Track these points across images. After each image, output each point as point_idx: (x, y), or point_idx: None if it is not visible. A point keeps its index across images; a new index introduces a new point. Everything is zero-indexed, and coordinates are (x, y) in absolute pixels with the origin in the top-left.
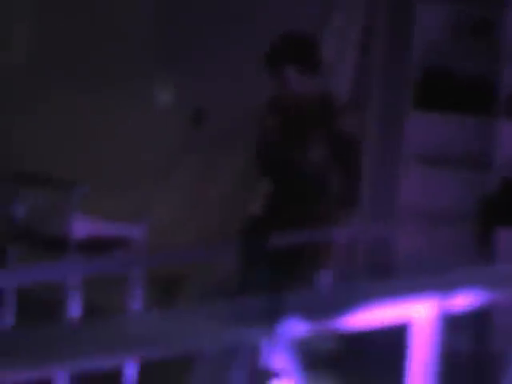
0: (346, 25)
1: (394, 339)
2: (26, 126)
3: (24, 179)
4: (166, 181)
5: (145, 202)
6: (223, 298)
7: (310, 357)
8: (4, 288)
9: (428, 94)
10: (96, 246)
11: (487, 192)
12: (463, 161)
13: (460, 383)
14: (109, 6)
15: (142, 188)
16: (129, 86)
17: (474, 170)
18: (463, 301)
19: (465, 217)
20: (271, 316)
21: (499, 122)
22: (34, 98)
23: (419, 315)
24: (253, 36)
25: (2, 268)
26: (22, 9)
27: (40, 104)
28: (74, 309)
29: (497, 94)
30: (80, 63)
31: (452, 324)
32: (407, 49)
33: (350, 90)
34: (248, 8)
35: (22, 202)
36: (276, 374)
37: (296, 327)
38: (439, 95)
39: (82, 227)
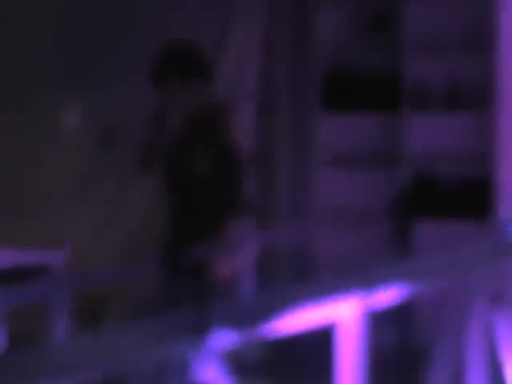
0: (248, 34)
1: (321, 341)
2: None
3: None
4: (82, 204)
5: (61, 227)
6: (148, 316)
7: (239, 365)
8: None
9: (334, 94)
10: (15, 276)
11: (400, 186)
12: (375, 158)
13: (386, 379)
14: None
15: (57, 213)
16: (36, 109)
17: (385, 166)
18: (386, 297)
19: (382, 213)
20: (197, 329)
21: (405, 116)
22: None
23: (344, 315)
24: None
25: None
26: None
27: None
28: None
29: (400, 89)
30: None
31: (375, 320)
32: (311, 51)
33: (255, 99)
34: (147, 18)
35: None
36: None
37: (223, 338)
38: (345, 95)
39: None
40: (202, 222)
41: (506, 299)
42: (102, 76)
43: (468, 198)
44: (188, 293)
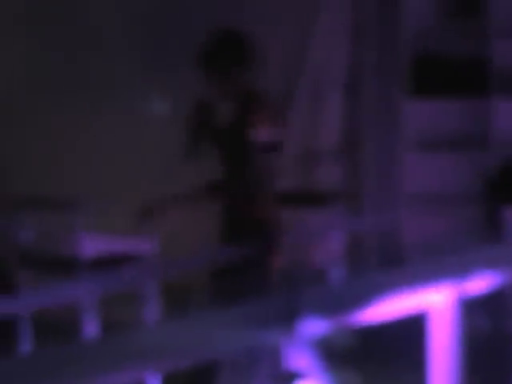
0: (334, 21)
1: (412, 329)
2: (24, 151)
3: (27, 203)
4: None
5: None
6: (235, 303)
7: (329, 354)
8: (18, 314)
9: (421, 79)
10: (106, 263)
11: (488, 171)
12: (462, 143)
13: (479, 367)
14: (89, 27)
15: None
16: (123, 99)
17: (472, 151)
18: (479, 283)
19: (469, 198)
20: (288, 316)
21: (494, 101)
22: (29, 121)
23: (436, 302)
24: None
25: (14, 294)
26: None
27: (36, 127)
28: (90, 328)
29: (488, 73)
30: (69, 82)
31: (468, 307)
32: (398, 37)
33: (342, 85)
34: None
35: (28, 227)
36: (299, 375)
37: (314, 325)
38: (432, 80)
39: (90, 245)
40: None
41: None
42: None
43: None
44: (277, 279)
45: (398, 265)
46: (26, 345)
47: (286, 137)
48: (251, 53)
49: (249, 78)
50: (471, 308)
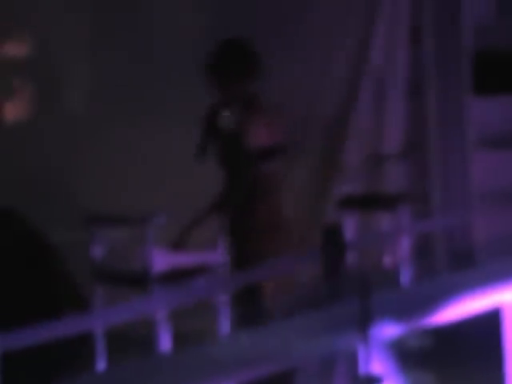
0: (395, 20)
1: (486, 329)
2: (93, 166)
3: (99, 218)
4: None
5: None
6: (310, 308)
7: (405, 356)
8: (93, 329)
9: (485, 77)
10: (178, 276)
11: None
12: None
13: None
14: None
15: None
16: (186, 116)
17: None
18: None
19: None
20: (363, 320)
21: None
22: (96, 138)
23: (510, 301)
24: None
25: (88, 309)
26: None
27: (102, 144)
28: (165, 341)
29: None
30: (135, 97)
31: None
32: (461, 35)
33: (405, 86)
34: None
35: (100, 242)
36: (376, 379)
37: (388, 328)
38: (494, 77)
39: (161, 259)
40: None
41: None
42: None
43: None
44: (350, 283)
45: (470, 265)
46: (101, 360)
47: (350, 139)
48: (253, 63)
49: (252, 86)
50: None
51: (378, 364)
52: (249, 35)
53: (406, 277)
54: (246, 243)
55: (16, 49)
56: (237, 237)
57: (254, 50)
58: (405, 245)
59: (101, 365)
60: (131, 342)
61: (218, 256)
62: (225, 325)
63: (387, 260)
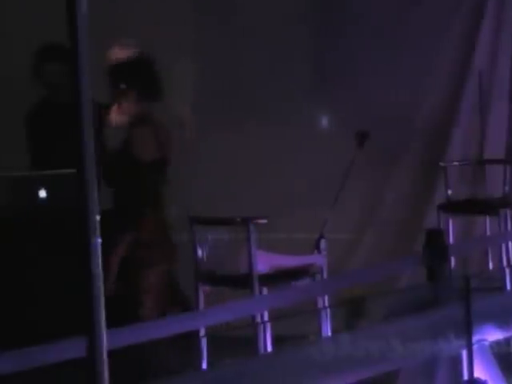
0: (499, 29)
1: None
2: (196, 171)
3: (203, 220)
4: (336, 205)
5: (319, 228)
6: (410, 312)
7: (507, 360)
8: (195, 330)
9: None
10: (280, 279)
11: None
12: None
13: None
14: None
15: (314, 214)
16: (291, 115)
17: None
18: None
19: None
20: (466, 324)
21: None
22: (204, 139)
23: None
24: (407, 55)
25: (192, 310)
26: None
27: (204, 146)
28: (266, 342)
29: None
30: (239, 98)
31: None
32: None
33: (508, 91)
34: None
35: (202, 244)
36: (480, 383)
37: (491, 333)
38: None
39: (263, 261)
40: None
41: None
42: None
43: None
44: (452, 288)
45: None
46: (203, 359)
47: (452, 142)
48: (152, 85)
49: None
50: None
51: (480, 368)
52: (350, 38)
53: (508, 281)
54: (133, 254)
55: (121, 53)
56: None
57: (155, 70)
58: (507, 249)
59: (203, 364)
60: (233, 343)
61: (320, 258)
62: (326, 327)
63: (489, 264)
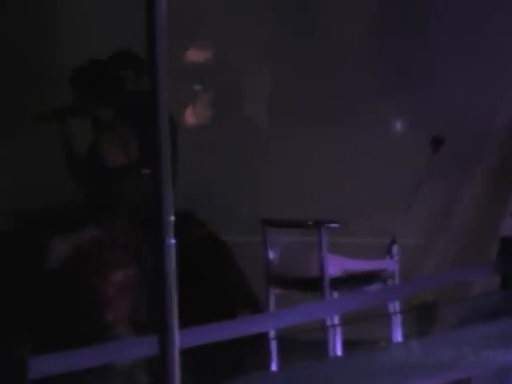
0: None
1: None
2: (268, 172)
3: (273, 224)
4: (409, 209)
5: (391, 233)
6: (483, 320)
7: None
8: (265, 332)
9: None
10: (351, 283)
11: None
12: None
13: None
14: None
15: (386, 219)
16: (364, 117)
17: None
18: None
19: None
20: None
21: None
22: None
23: None
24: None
25: (263, 312)
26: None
27: (277, 148)
28: (336, 346)
29: None
30: (312, 100)
31: None
32: None
33: None
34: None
35: (274, 246)
36: None
37: None
38: None
39: (334, 265)
40: None
41: None
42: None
43: None
44: None
45: None
46: (273, 361)
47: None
48: (113, 88)
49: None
50: None
51: None
52: (427, 39)
53: None
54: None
55: (199, 56)
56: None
57: (118, 76)
58: None
59: (272, 366)
60: (302, 346)
61: (392, 264)
62: (397, 332)
63: None
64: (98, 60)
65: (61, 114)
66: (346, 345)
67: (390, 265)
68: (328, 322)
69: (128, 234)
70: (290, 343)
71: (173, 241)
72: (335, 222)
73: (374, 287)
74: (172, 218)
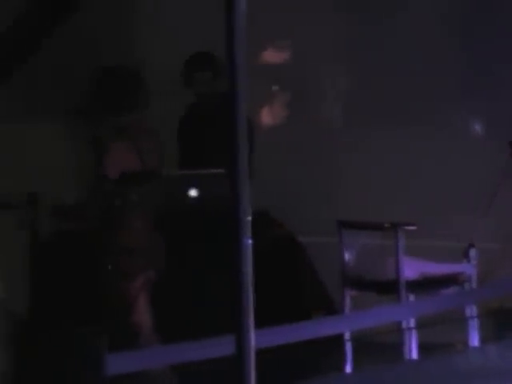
0: None
1: None
2: (345, 174)
3: (350, 226)
4: (485, 213)
5: (469, 236)
6: None
7: None
8: (341, 333)
9: None
10: (427, 286)
11: None
12: None
13: None
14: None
15: (463, 222)
16: (442, 119)
17: None
18: None
19: None
20: None
21: None
22: (351, 148)
23: None
24: None
25: (338, 314)
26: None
27: (354, 149)
28: (412, 349)
29: None
30: (388, 101)
31: None
32: None
33: None
34: None
35: (350, 248)
36: None
37: None
38: None
39: (411, 268)
40: None
41: None
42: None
43: None
44: None
45: None
46: (348, 363)
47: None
48: (134, 96)
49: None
50: None
51: None
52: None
53: None
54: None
55: (275, 56)
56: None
57: (139, 81)
58: None
59: (347, 367)
60: (378, 348)
61: (469, 267)
62: (473, 336)
63: None
64: (117, 66)
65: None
66: (422, 348)
67: (468, 268)
68: (404, 325)
69: (142, 238)
70: (365, 345)
71: (250, 241)
72: (412, 225)
73: (451, 291)
74: (249, 218)
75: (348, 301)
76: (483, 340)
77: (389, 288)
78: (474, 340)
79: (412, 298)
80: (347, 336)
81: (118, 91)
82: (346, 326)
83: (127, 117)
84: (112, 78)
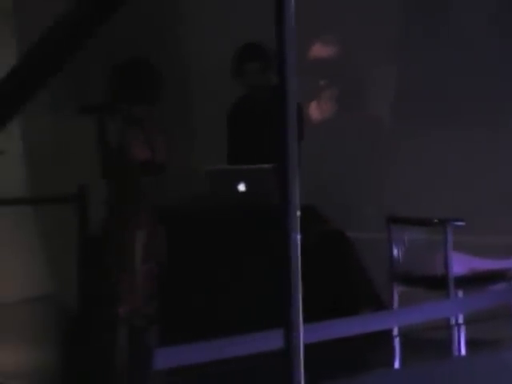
0: None
1: None
2: (395, 171)
3: (398, 221)
4: None
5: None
6: None
7: None
8: (389, 329)
9: None
10: (476, 282)
11: None
12: None
13: None
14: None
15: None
16: (492, 115)
17: None
18: None
19: None
20: None
21: None
22: (400, 141)
23: None
24: None
25: (386, 309)
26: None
27: (402, 146)
28: (460, 345)
29: None
30: (440, 98)
31: None
32: None
33: None
34: None
35: (398, 244)
36: None
37: None
38: None
39: (460, 263)
40: None
41: None
42: None
43: None
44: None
45: None
46: (396, 359)
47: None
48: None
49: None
50: None
51: None
52: None
53: None
54: None
55: (325, 52)
56: None
57: (155, 73)
58: None
59: (395, 363)
60: (426, 344)
61: None
62: None
63: None
64: (138, 57)
65: (95, 111)
66: (470, 344)
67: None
68: (452, 321)
69: (148, 229)
70: (413, 341)
71: (299, 236)
72: (461, 220)
73: (499, 287)
74: (298, 213)
75: (396, 297)
76: None
77: (437, 284)
78: None
79: (460, 293)
80: (395, 332)
81: (145, 81)
82: (394, 321)
83: (143, 109)
84: (139, 68)
